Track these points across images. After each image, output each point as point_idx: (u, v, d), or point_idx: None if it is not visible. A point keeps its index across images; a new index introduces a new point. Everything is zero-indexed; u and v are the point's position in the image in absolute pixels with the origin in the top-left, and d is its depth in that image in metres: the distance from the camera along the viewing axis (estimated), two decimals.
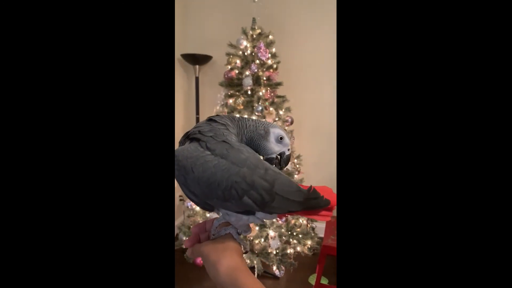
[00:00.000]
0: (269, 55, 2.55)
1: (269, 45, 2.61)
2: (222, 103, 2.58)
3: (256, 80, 2.52)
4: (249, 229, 0.59)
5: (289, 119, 2.63)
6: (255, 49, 2.51)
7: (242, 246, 0.57)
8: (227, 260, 0.50)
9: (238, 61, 2.58)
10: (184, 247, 0.72)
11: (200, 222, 0.63)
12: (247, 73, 2.46)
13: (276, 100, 2.65)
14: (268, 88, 2.61)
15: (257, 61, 2.51)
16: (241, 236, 0.59)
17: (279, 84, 2.64)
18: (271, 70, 2.61)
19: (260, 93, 2.61)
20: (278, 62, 2.69)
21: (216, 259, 0.50)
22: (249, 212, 0.54)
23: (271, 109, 2.51)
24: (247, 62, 2.55)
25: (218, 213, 0.58)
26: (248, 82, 2.39)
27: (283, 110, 2.64)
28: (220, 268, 0.49)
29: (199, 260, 2.48)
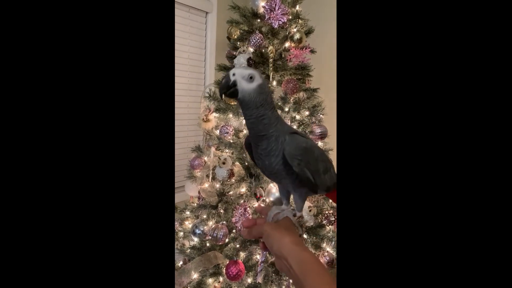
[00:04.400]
0: (288, 17, 1.46)
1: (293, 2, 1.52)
2: (207, 94, 1.61)
3: (261, 61, 1.47)
4: (302, 208, 0.71)
5: (319, 130, 1.54)
6: (265, 6, 1.45)
7: (297, 228, 0.66)
8: (290, 236, 0.57)
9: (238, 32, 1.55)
10: (242, 226, 0.73)
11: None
12: (243, 48, 1.43)
13: (300, 94, 1.57)
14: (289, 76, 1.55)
15: (263, 28, 1.45)
16: (296, 218, 0.69)
17: (304, 68, 1.55)
18: (292, 45, 1.53)
19: (274, 83, 1.57)
20: (308, 31, 1.58)
21: (280, 236, 0.58)
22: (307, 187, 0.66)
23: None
24: (249, 30, 1.52)
25: (283, 203, 0.71)
26: (240, 62, 1.37)
27: (307, 111, 1.55)
28: (284, 242, 0.56)
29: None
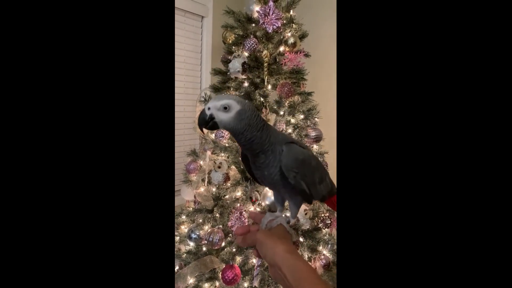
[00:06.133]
0: (282, 21, 1.47)
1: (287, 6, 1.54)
2: (202, 98, 1.61)
3: (255, 65, 1.48)
4: (296, 215, 0.70)
5: (314, 133, 1.54)
6: (260, 11, 1.46)
7: (291, 235, 0.65)
8: (283, 245, 0.57)
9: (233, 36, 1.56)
10: (235, 234, 0.75)
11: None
12: (238, 52, 1.43)
13: (295, 98, 1.58)
14: (284, 80, 1.56)
15: (258, 33, 1.46)
16: (290, 225, 0.69)
17: (298, 72, 1.56)
18: (287, 49, 1.54)
19: (269, 86, 1.57)
20: (302, 35, 1.59)
21: (274, 244, 0.58)
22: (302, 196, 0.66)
23: (270, 113, 1.45)
24: (244, 35, 1.52)
25: (278, 209, 0.72)
26: (235, 66, 1.38)
27: (302, 114, 1.56)
28: (278, 251, 0.56)
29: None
